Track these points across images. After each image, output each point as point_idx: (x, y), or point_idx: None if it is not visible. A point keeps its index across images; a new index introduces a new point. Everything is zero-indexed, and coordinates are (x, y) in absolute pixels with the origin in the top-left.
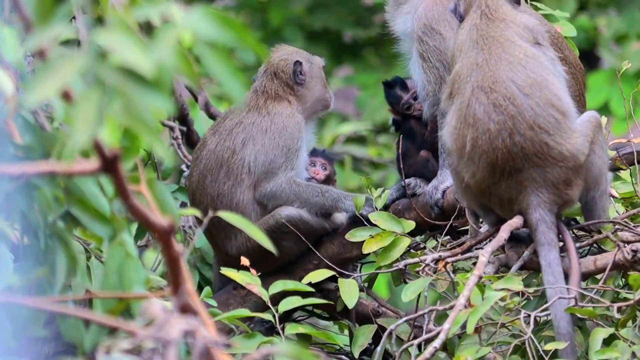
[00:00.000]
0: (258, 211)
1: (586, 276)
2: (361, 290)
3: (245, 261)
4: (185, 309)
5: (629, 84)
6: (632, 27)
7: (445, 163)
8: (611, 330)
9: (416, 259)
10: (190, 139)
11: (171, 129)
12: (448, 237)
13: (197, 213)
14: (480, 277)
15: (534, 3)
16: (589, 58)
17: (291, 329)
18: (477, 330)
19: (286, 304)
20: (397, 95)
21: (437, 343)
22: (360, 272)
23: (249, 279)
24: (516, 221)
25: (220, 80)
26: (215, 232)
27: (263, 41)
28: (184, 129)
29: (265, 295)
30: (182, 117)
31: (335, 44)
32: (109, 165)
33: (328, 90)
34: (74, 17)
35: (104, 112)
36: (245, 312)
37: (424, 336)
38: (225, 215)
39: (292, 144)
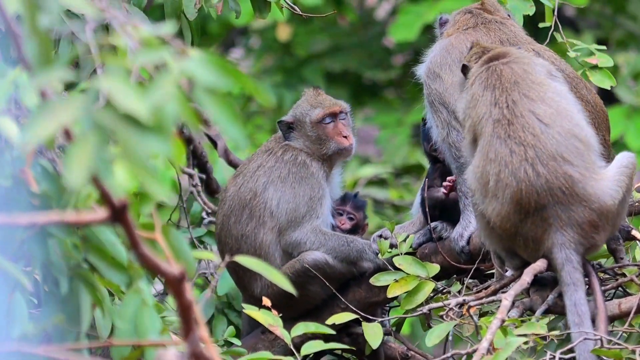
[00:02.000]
0: (282, 253)
1: (611, 319)
2: (389, 334)
3: (267, 301)
4: (198, 357)
5: None
6: None
7: (468, 207)
8: None
9: (440, 304)
10: (210, 187)
11: (190, 176)
12: (475, 280)
13: (213, 257)
14: (503, 321)
15: (570, 40)
16: (606, 95)
17: (307, 348)
18: None
19: (308, 347)
20: (429, 134)
21: None
22: (388, 315)
23: (272, 320)
24: (540, 264)
25: (220, 125)
26: (242, 273)
27: (284, 83)
28: (203, 176)
29: (287, 338)
30: (201, 165)
31: (355, 85)
32: (118, 214)
33: (336, 138)
34: (77, 63)
35: (102, 156)
36: (267, 354)
37: None
38: (243, 260)
39: (314, 192)
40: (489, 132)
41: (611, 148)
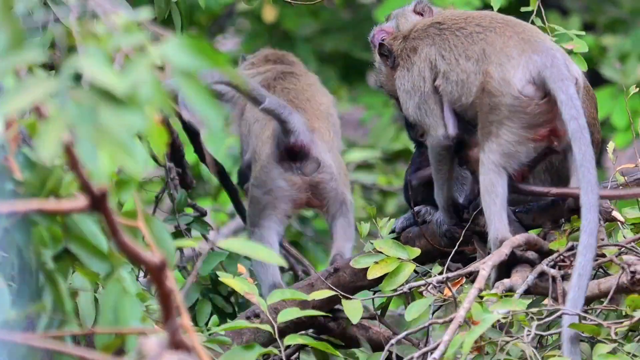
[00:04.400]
0: None
1: (591, 300)
2: (373, 318)
3: (242, 269)
4: (179, 345)
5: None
6: (637, 46)
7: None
8: (614, 344)
9: (420, 282)
10: (184, 181)
11: (167, 169)
12: (458, 264)
13: (195, 244)
14: (481, 290)
15: (551, 25)
16: (592, 76)
17: (290, 339)
18: (479, 349)
19: (286, 315)
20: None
21: (436, 354)
22: (373, 301)
23: (247, 287)
24: (519, 238)
25: (195, 108)
26: None
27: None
28: (179, 170)
29: (263, 305)
30: (178, 159)
31: (345, 66)
32: (98, 202)
33: None
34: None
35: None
36: (243, 323)
37: (424, 349)
38: (226, 243)
39: None
40: None
41: (599, 127)
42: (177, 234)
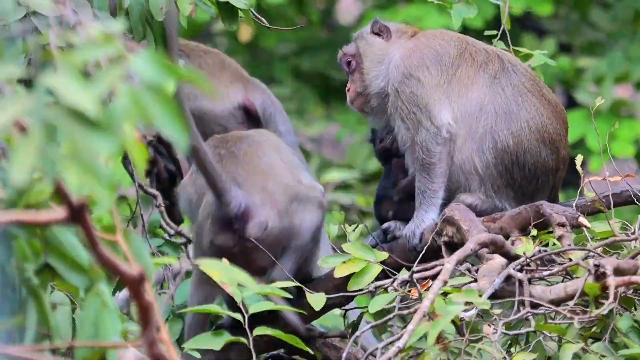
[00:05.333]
0: None
1: (558, 302)
2: (345, 337)
3: (226, 261)
4: (157, 358)
5: (605, 121)
6: (612, 69)
7: (423, 205)
8: (581, 344)
9: (386, 281)
10: (173, 215)
11: (154, 197)
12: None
13: (173, 261)
14: (445, 282)
15: (515, 48)
16: (567, 98)
17: (259, 330)
18: (444, 347)
19: (256, 307)
20: (373, 135)
21: (400, 343)
22: (344, 319)
23: (225, 279)
24: (485, 236)
25: (161, 125)
26: None
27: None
28: (167, 202)
29: (238, 296)
30: (164, 190)
31: (322, 85)
32: (76, 214)
33: None
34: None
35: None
36: (215, 307)
37: (389, 339)
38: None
39: None
40: None
41: (568, 147)
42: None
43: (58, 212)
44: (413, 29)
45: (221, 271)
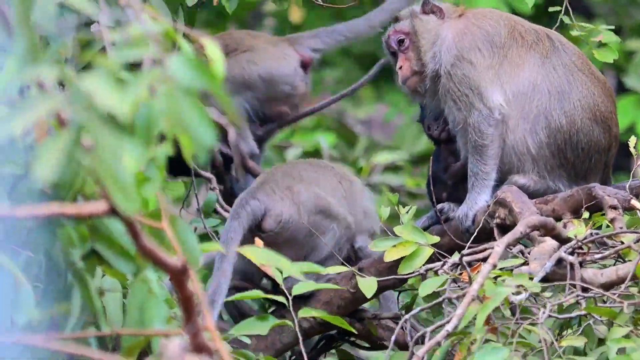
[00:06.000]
0: None
1: (609, 286)
2: (398, 318)
3: (259, 242)
4: (201, 348)
5: None
6: None
7: (475, 187)
8: (630, 328)
9: (437, 264)
10: (226, 198)
11: (209, 180)
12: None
13: (221, 248)
14: (495, 266)
15: (580, 24)
16: (617, 82)
17: (304, 312)
18: (493, 329)
19: (300, 288)
20: (423, 114)
21: (449, 327)
22: (398, 302)
23: (265, 260)
24: (535, 218)
25: (190, 127)
26: None
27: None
28: (222, 187)
29: (279, 278)
30: (219, 175)
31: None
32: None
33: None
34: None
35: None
36: (259, 293)
37: (438, 322)
38: (245, 252)
39: None
40: None
41: (618, 125)
42: (204, 237)
43: (100, 204)
44: (461, 8)
45: (260, 254)
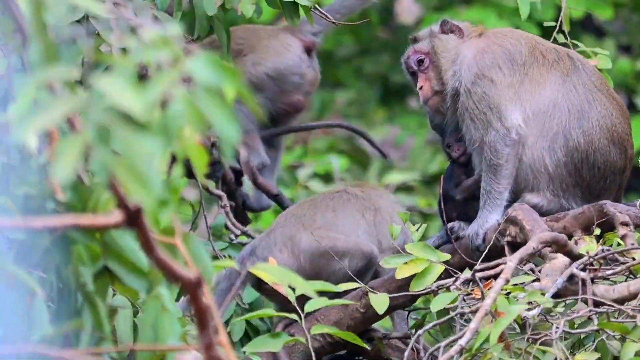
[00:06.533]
0: None
1: (621, 301)
2: (408, 338)
3: (273, 261)
4: None
5: None
6: None
7: (487, 205)
8: None
9: (448, 280)
10: (238, 214)
11: (219, 197)
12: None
13: (234, 264)
14: (507, 281)
15: (573, 42)
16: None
17: (316, 329)
18: (507, 346)
19: (312, 305)
20: (443, 133)
21: (462, 341)
22: (407, 319)
23: (277, 279)
24: (548, 234)
25: (216, 125)
26: None
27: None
28: (232, 203)
29: (291, 296)
30: (230, 193)
31: (384, 87)
32: (133, 218)
33: None
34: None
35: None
36: (270, 312)
37: (452, 337)
38: (257, 271)
39: None
40: None
41: (634, 147)
42: (213, 258)
43: (115, 216)
44: (481, 28)
45: (272, 272)
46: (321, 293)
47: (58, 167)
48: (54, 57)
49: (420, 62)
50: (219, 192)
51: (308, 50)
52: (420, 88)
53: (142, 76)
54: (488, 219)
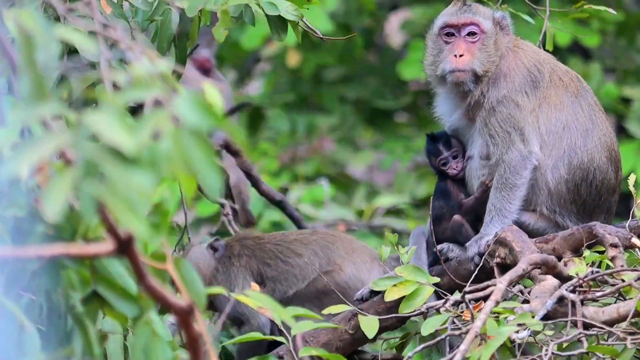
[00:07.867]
0: None
1: (610, 324)
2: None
3: (255, 287)
4: None
5: None
6: None
7: (492, 222)
8: None
9: (438, 302)
10: (244, 217)
11: (222, 205)
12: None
13: (224, 291)
14: (497, 302)
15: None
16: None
17: (305, 351)
18: None
19: (300, 327)
20: (438, 150)
21: None
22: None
23: (260, 302)
24: (537, 256)
25: (197, 169)
26: None
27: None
28: (236, 206)
29: (277, 319)
30: (232, 196)
31: (369, 111)
32: (124, 247)
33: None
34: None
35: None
36: (257, 335)
37: (443, 359)
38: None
39: None
40: None
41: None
42: None
43: (106, 244)
44: (514, 39)
45: (256, 298)
46: None
47: (49, 203)
48: (43, 93)
49: (472, 33)
50: (222, 199)
51: (204, 69)
52: (461, 55)
53: (134, 110)
54: (490, 233)
